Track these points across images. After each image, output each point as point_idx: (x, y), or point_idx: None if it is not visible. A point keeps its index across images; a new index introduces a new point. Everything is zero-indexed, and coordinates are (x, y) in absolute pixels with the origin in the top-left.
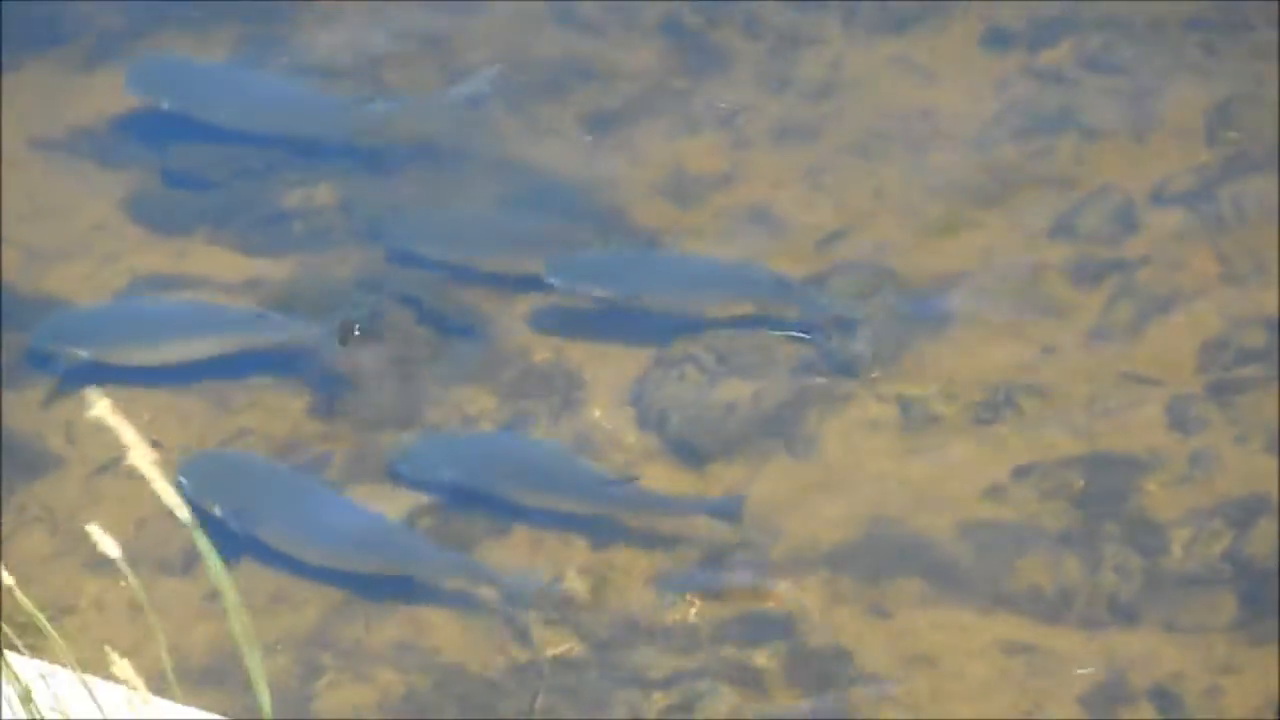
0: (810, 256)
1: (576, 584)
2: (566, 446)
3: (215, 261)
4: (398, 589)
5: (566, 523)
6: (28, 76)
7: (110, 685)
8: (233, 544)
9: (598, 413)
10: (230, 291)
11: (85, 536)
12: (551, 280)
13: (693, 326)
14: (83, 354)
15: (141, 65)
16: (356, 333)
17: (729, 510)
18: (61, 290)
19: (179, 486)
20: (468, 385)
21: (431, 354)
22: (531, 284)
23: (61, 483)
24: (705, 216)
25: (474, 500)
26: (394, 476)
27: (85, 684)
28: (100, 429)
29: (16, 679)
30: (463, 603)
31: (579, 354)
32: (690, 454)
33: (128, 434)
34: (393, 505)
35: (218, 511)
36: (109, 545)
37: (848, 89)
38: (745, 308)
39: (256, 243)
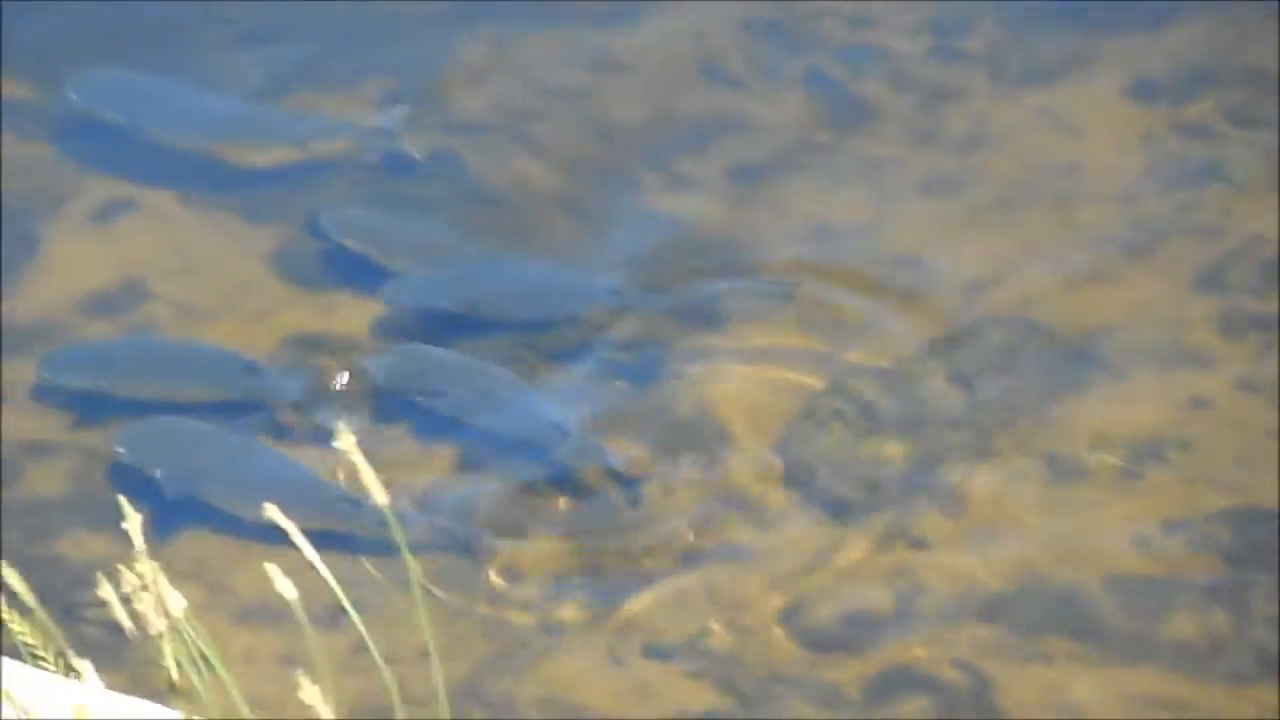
0: (956, 309)
1: (721, 636)
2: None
3: (364, 316)
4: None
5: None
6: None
7: None
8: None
9: (745, 468)
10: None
11: (233, 590)
12: (389, 300)
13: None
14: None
15: (85, 78)
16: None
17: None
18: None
19: (117, 455)
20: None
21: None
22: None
23: (212, 538)
24: (850, 268)
25: None
26: None
27: None
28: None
29: None
30: (609, 658)
31: (729, 409)
32: (837, 508)
33: (368, 474)
34: None
35: (157, 474)
36: (286, 587)
37: (994, 142)
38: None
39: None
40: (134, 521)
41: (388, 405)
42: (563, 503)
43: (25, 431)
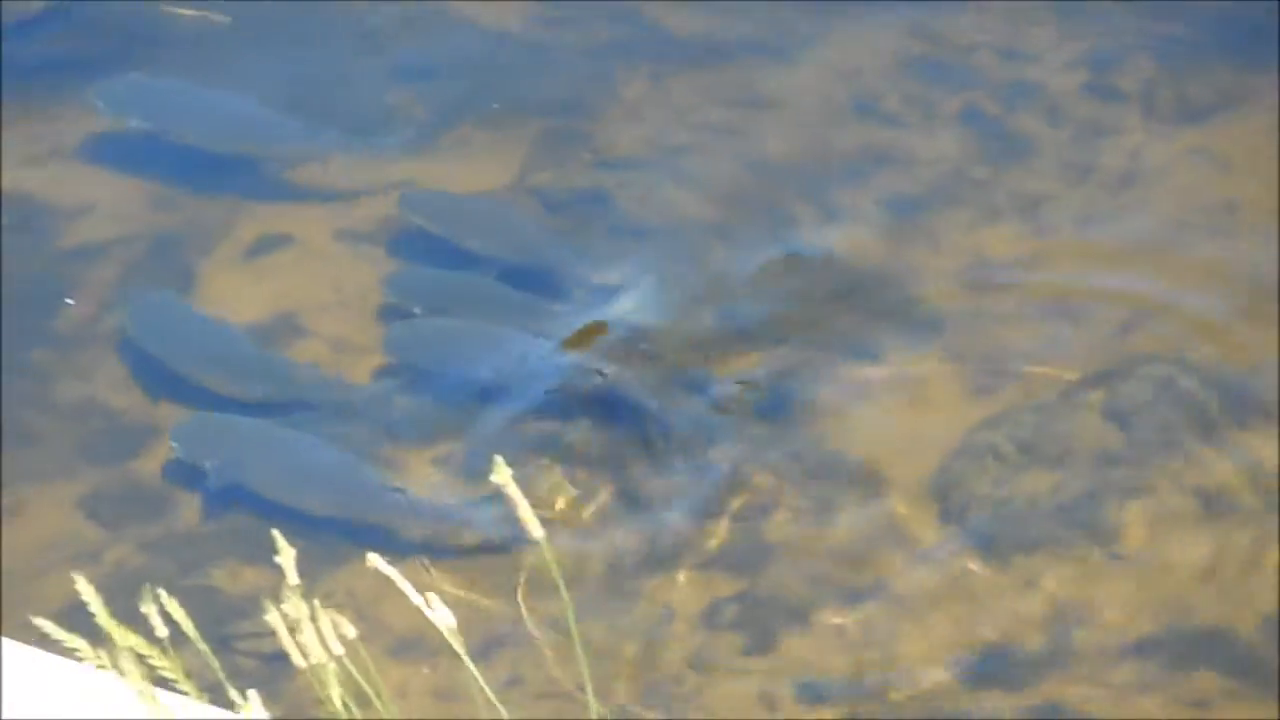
0: (1112, 344)
1: (875, 674)
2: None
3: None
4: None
5: (849, 604)
6: (338, 169)
7: None
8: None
9: (898, 503)
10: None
11: (385, 622)
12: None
13: None
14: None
15: (110, 85)
16: None
17: None
18: (363, 381)
19: (172, 449)
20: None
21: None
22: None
23: (364, 569)
24: (1006, 305)
25: None
26: None
27: None
28: None
29: None
30: (760, 698)
31: (882, 443)
32: (992, 546)
33: (524, 508)
34: None
35: (208, 466)
36: (444, 616)
37: (1148, 178)
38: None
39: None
40: (288, 555)
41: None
42: (712, 538)
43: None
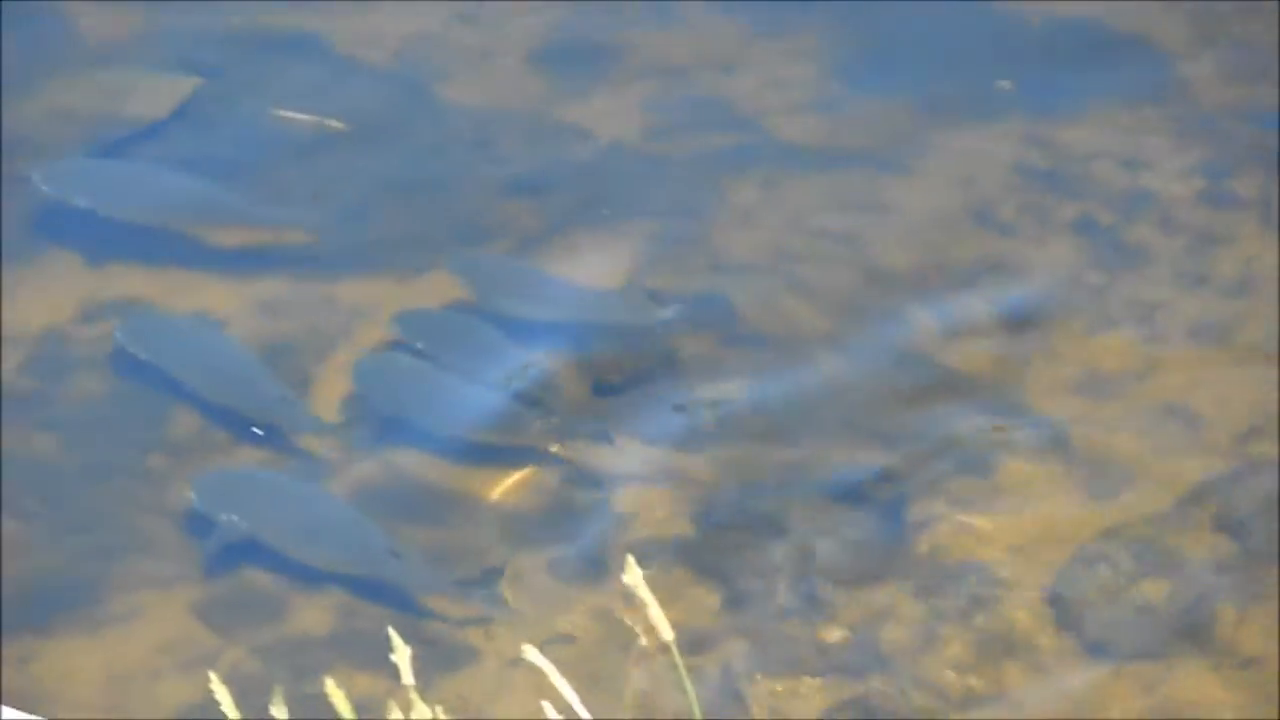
0: (1228, 452)
1: None
2: None
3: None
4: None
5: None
6: (448, 272)
7: None
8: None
9: (1014, 611)
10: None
11: None
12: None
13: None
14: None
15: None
16: None
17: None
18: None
19: (189, 501)
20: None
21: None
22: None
23: (476, 675)
24: (1120, 411)
25: None
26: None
27: None
28: (511, 621)
29: None
30: None
31: (997, 552)
32: (1107, 653)
33: (655, 609)
34: None
35: (222, 519)
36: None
37: (1264, 286)
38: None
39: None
40: (404, 655)
41: None
42: (828, 645)
43: (292, 567)
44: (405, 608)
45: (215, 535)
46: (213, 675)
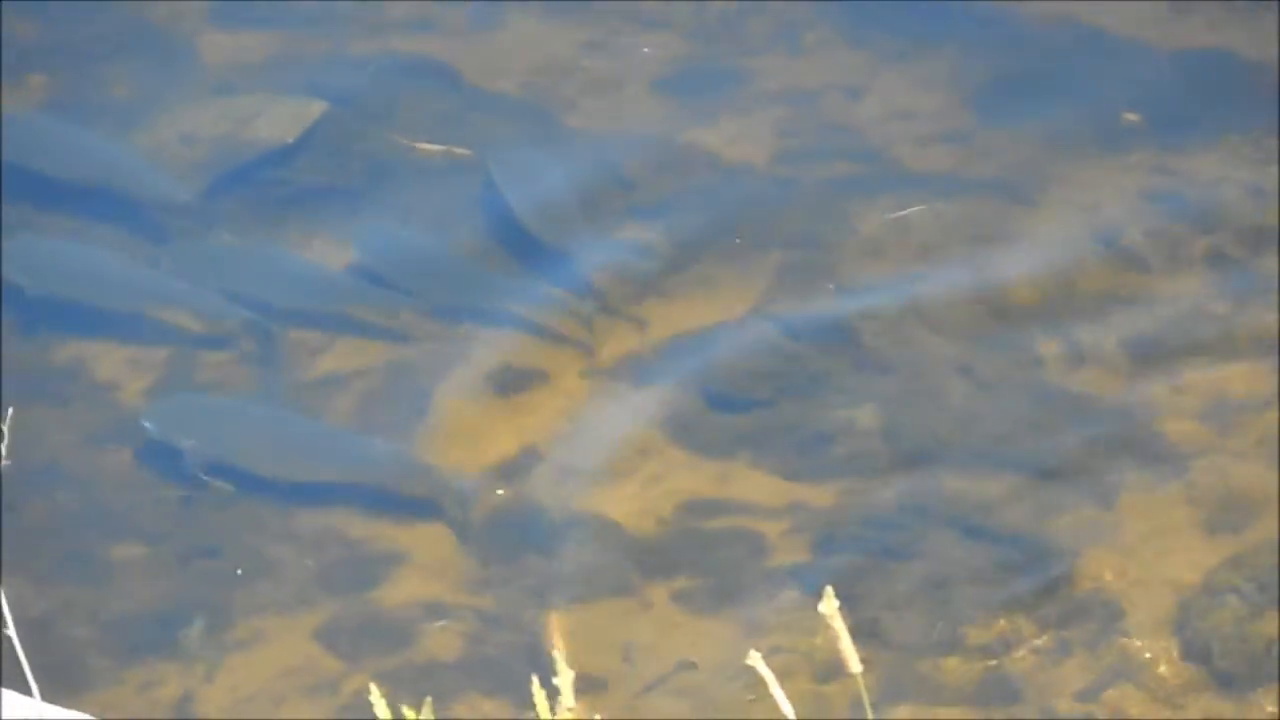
0: None
1: None
2: None
3: (757, 485)
4: None
5: None
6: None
7: None
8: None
9: (1140, 642)
10: (771, 517)
11: None
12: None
13: None
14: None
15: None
16: None
17: None
18: (603, 509)
19: (145, 430)
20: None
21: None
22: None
23: (612, 697)
24: (1246, 443)
25: None
26: None
27: None
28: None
29: None
30: None
31: (1122, 583)
32: (1233, 684)
33: (845, 640)
34: None
35: (184, 445)
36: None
37: None
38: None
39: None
40: (566, 677)
41: None
42: (952, 674)
43: (421, 593)
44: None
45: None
46: (373, 687)
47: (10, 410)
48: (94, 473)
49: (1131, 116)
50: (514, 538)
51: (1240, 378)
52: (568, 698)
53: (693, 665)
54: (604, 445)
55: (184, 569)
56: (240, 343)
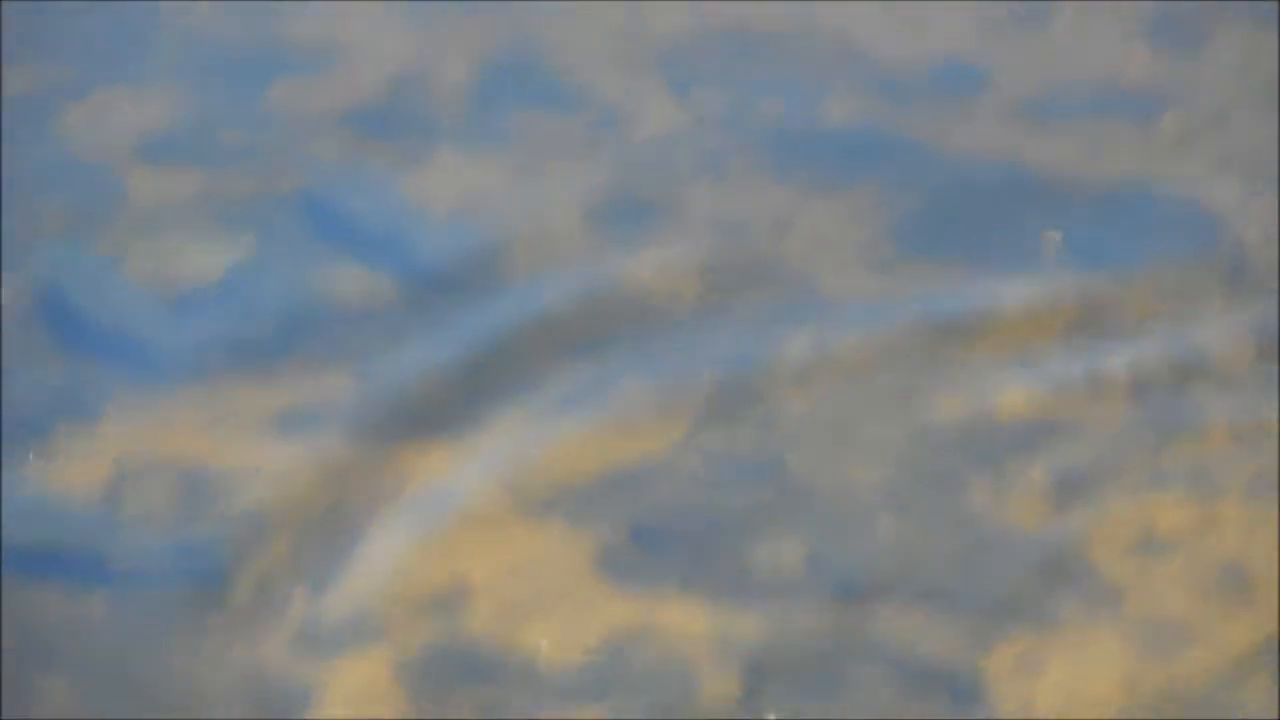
0: None
1: None
2: None
3: (685, 616)
4: None
5: None
6: (501, 430)
7: None
8: None
9: None
10: (698, 649)
11: None
12: None
13: None
14: None
15: None
16: None
17: None
18: (531, 646)
19: None
20: None
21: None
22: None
23: None
24: (1173, 571)
25: None
26: None
27: None
28: None
29: None
30: None
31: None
32: None
33: None
34: None
35: None
36: None
37: None
38: None
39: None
40: None
41: None
42: None
43: None
44: None
45: None
46: None
47: None
48: None
49: (1053, 235)
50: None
51: (1168, 504)
52: None
53: None
54: (533, 578)
55: None
56: None
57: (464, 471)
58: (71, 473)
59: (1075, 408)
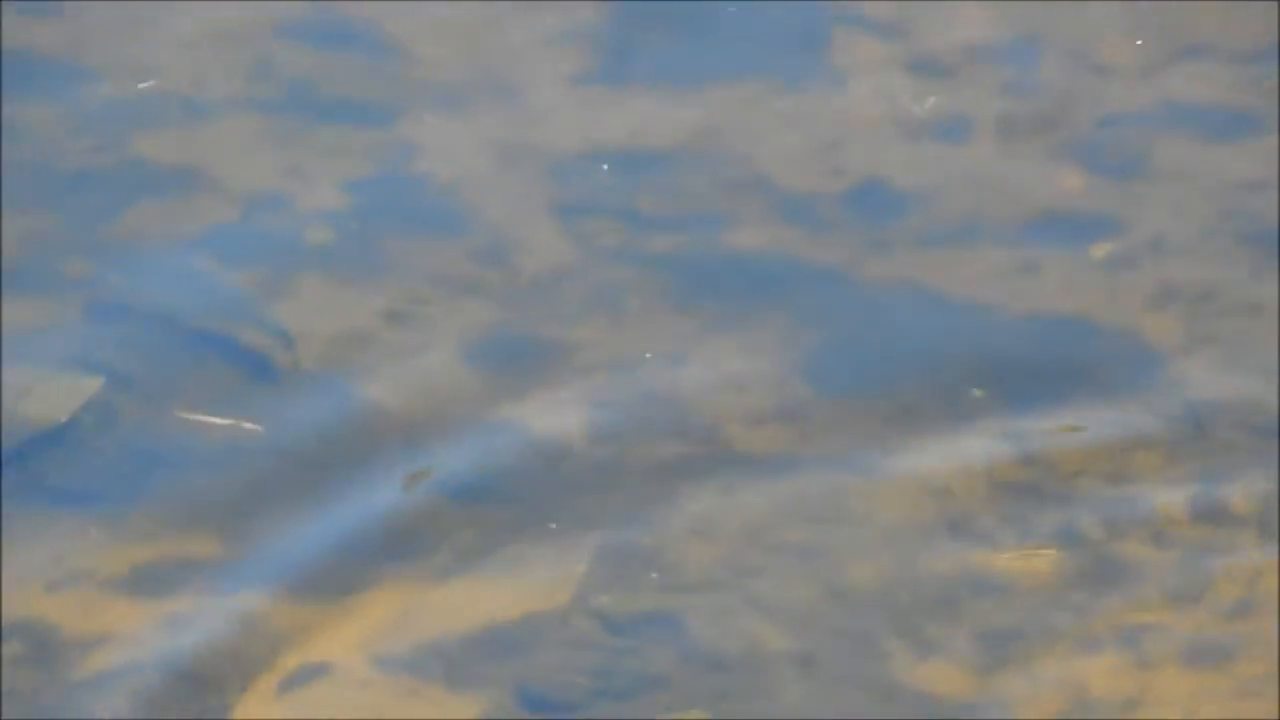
0: None
1: None
2: None
3: None
4: None
5: None
6: (380, 592)
7: None
8: None
9: None
10: None
11: None
12: None
13: None
14: None
15: None
16: None
17: None
18: None
19: None
20: None
21: None
22: None
23: None
24: None
25: None
26: None
27: None
28: None
29: None
30: None
31: None
32: None
33: None
34: None
35: None
36: None
37: (1265, 607)
38: None
39: None
40: None
41: None
42: None
43: None
44: None
45: None
46: None
47: None
48: None
49: (978, 393)
50: None
51: (1099, 670)
52: None
53: None
54: None
55: None
56: None
57: (339, 636)
58: None
59: (1001, 562)
